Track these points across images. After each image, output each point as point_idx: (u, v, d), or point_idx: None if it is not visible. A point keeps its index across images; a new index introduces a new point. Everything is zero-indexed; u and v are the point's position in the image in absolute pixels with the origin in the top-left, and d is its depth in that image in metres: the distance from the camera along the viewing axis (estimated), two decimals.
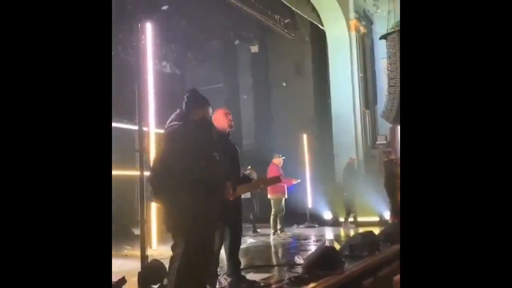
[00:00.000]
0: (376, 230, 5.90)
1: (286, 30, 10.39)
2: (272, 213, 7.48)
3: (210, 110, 3.10)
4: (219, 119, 3.89)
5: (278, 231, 7.52)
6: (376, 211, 8.62)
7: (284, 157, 7.86)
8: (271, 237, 7.37)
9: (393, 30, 10.06)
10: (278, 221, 7.53)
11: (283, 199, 7.58)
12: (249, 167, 8.27)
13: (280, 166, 7.72)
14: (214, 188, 2.83)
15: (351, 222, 8.63)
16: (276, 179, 5.40)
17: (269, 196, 7.56)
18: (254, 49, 11.58)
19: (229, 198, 2.98)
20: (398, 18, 10.42)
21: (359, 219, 8.65)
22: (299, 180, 7.98)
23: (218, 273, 3.94)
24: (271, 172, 7.62)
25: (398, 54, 9.82)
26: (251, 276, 4.07)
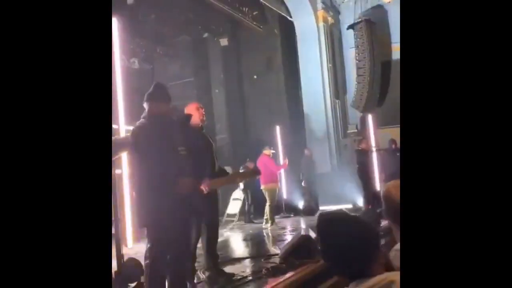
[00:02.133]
0: None
1: (255, 23, 10.37)
2: (268, 204, 7.50)
3: (169, 103, 3.01)
4: (191, 113, 3.87)
5: (269, 222, 7.56)
6: (349, 198, 8.79)
7: (274, 151, 7.94)
8: (269, 227, 7.40)
9: (360, 19, 10.21)
10: (269, 211, 7.57)
11: (277, 188, 7.65)
12: (247, 159, 8.30)
13: (270, 156, 7.77)
14: (175, 184, 2.78)
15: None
16: (255, 172, 5.43)
17: (262, 187, 7.58)
18: (224, 42, 11.51)
19: (188, 192, 2.90)
20: (364, 7, 10.58)
21: (333, 207, 8.79)
22: (287, 159, 8.12)
23: (196, 268, 3.94)
24: (261, 163, 7.63)
25: (366, 43, 9.98)
26: (229, 268, 4.09)
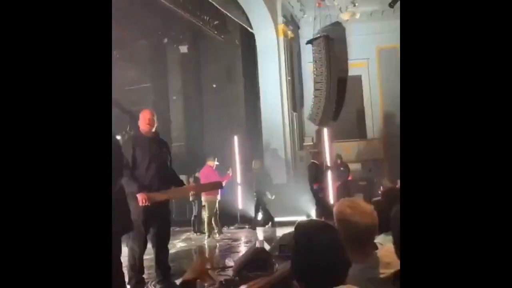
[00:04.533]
0: None
1: (216, 32, 10.36)
2: (207, 216, 7.42)
3: None
4: (141, 122, 3.82)
5: (216, 234, 7.48)
6: (304, 210, 8.90)
7: (218, 163, 7.85)
8: (206, 240, 7.30)
9: (318, 35, 10.45)
10: (214, 223, 7.50)
11: (216, 200, 7.58)
12: (197, 170, 8.15)
13: (214, 167, 7.70)
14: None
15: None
16: (217, 185, 5.39)
17: (202, 198, 7.51)
18: (183, 49, 11.41)
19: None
20: (323, 24, 10.86)
21: (288, 218, 8.84)
22: (230, 170, 8.02)
23: (146, 280, 3.83)
24: (203, 174, 7.57)
25: (323, 59, 10.22)
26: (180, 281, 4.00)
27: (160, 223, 3.73)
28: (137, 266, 3.60)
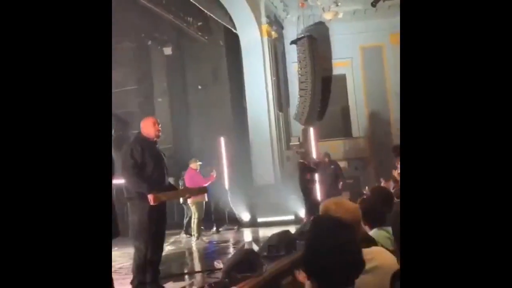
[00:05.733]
0: (292, 229, 6.11)
1: (200, 33, 10.33)
2: (196, 217, 7.40)
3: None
4: (147, 127, 3.92)
5: (195, 236, 7.46)
6: (291, 209, 8.94)
7: (201, 163, 7.83)
8: (194, 242, 7.27)
9: (302, 35, 10.50)
10: (195, 225, 7.48)
11: (204, 202, 7.57)
12: (182, 172, 8.11)
13: (197, 170, 7.68)
14: None
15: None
16: (203, 190, 5.80)
17: (189, 201, 7.49)
18: (168, 51, 11.33)
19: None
20: (306, 23, 10.92)
21: (276, 219, 8.85)
22: (214, 171, 7.95)
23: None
24: (188, 176, 7.55)
25: (308, 58, 10.28)
26: (170, 285, 3.99)
27: (159, 223, 3.81)
28: (143, 265, 3.66)
